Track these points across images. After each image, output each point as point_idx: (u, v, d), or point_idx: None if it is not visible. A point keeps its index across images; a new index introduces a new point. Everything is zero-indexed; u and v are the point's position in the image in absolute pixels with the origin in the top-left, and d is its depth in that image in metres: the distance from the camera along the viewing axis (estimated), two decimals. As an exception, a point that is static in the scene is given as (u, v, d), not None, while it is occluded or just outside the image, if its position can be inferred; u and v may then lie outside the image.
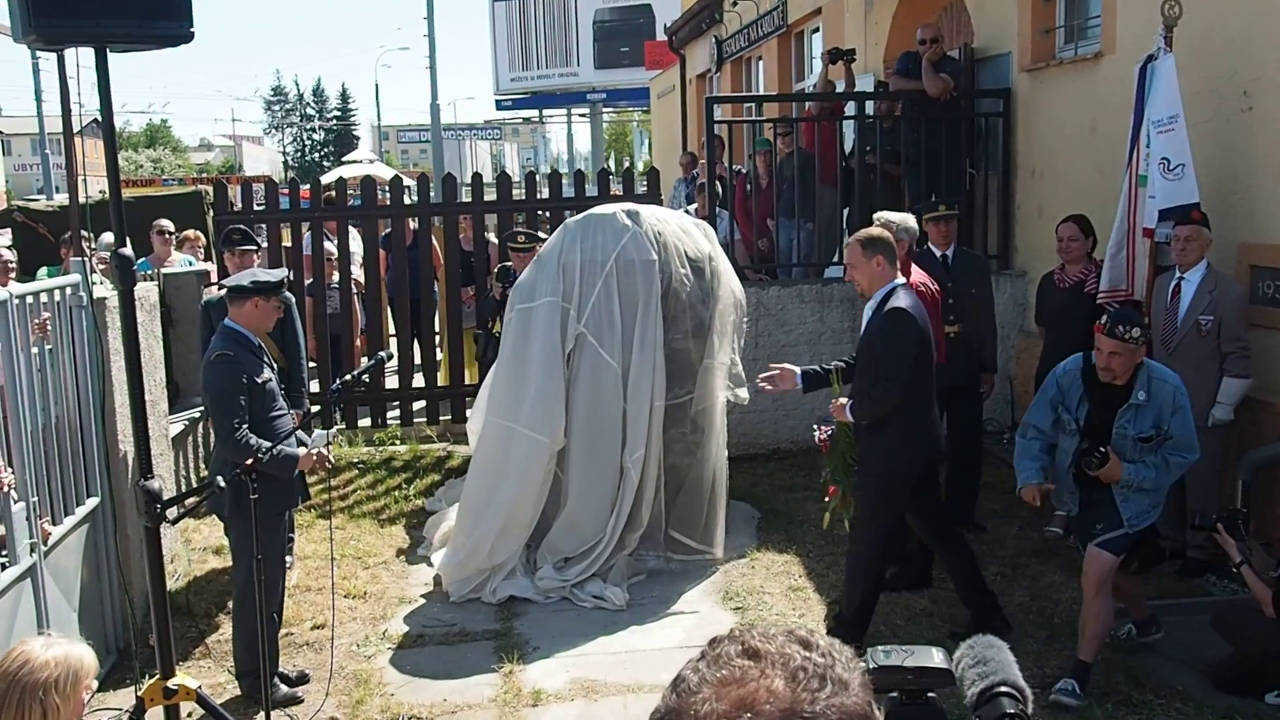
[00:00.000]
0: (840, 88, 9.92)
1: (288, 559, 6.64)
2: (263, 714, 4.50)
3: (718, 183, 9.83)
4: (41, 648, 2.90)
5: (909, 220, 6.19)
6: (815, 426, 5.53)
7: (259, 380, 4.94)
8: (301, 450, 4.98)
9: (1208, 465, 5.92)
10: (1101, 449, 4.65)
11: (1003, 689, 1.54)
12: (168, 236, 9.41)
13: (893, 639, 5.31)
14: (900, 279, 5.32)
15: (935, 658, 1.50)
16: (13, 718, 2.80)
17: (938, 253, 6.87)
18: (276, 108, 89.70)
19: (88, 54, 3.87)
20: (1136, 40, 6.76)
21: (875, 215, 6.28)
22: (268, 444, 4.74)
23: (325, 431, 5.22)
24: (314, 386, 8.53)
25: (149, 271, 8.64)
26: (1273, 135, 5.94)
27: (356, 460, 8.66)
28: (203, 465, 8.51)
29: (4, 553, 4.60)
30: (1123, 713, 4.68)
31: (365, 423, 9.35)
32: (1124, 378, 4.67)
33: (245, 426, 4.83)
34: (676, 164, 14.17)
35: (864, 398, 5.25)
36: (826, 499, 5.70)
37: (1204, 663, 5.06)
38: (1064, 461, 4.95)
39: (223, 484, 4.35)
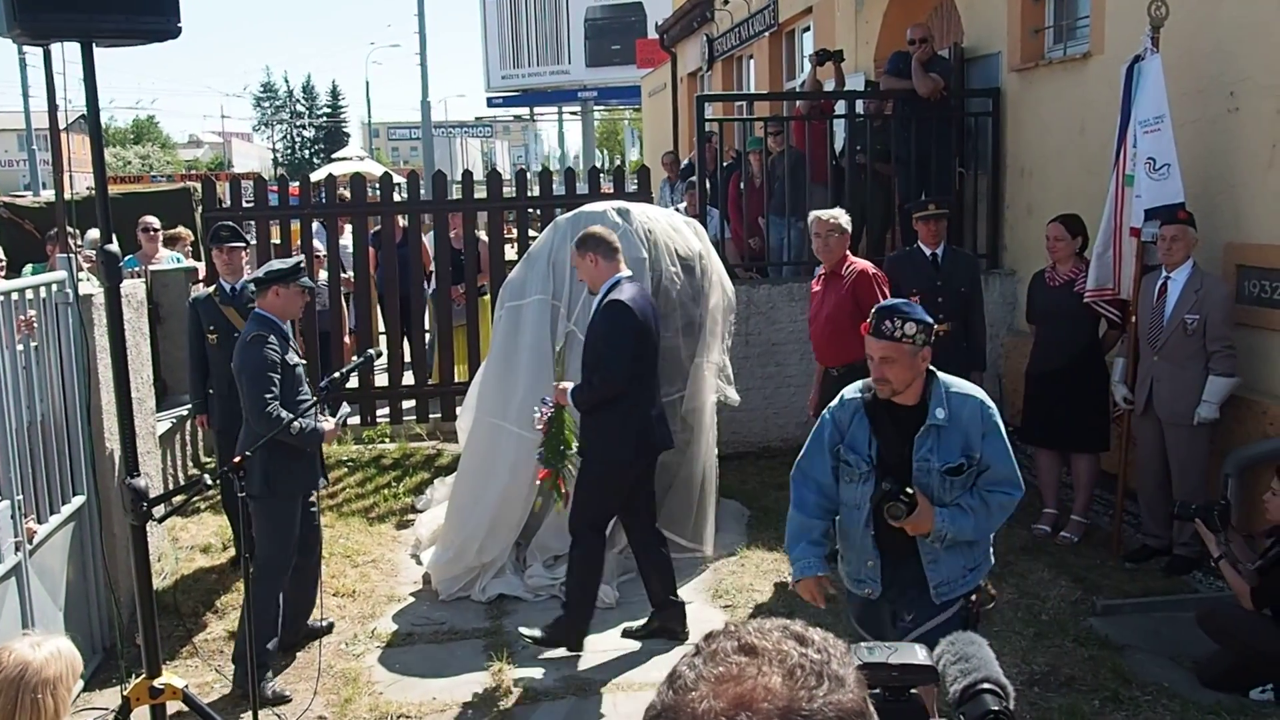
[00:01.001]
0: (830, 87, 9.93)
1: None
2: (250, 713, 4.49)
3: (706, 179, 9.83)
4: (31, 648, 2.89)
5: (845, 216, 6.48)
6: (536, 408, 5.63)
7: (289, 363, 5.23)
8: (326, 425, 5.30)
9: (1195, 464, 5.96)
10: (907, 490, 3.55)
11: (985, 685, 1.54)
12: (153, 234, 9.37)
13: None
14: (625, 272, 5.38)
15: (919, 655, 1.50)
16: (29, 717, 2.80)
17: (927, 251, 6.88)
18: (266, 104, 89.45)
19: (74, 49, 3.85)
20: (1125, 41, 6.77)
21: (811, 213, 6.47)
22: (299, 421, 5.04)
23: (345, 408, 5.76)
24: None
25: (136, 269, 8.61)
26: (1258, 136, 5.96)
27: (345, 458, 8.65)
28: (190, 463, 8.50)
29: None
30: (1109, 709, 4.70)
31: (354, 421, 9.32)
32: (907, 390, 3.61)
33: (277, 403, 5.08)
34: (661, 163, 14.14)
35: (585, 385, 5.36)
36: (539, 481, 5.83)
37: (1190, 660, 5.08)
38: (855, 520, 3.75)
39: (209, 481, 4.34)
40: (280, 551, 5.26)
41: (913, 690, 1.48)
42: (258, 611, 5.14)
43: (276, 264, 5.41)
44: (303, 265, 5.44)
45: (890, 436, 3.67)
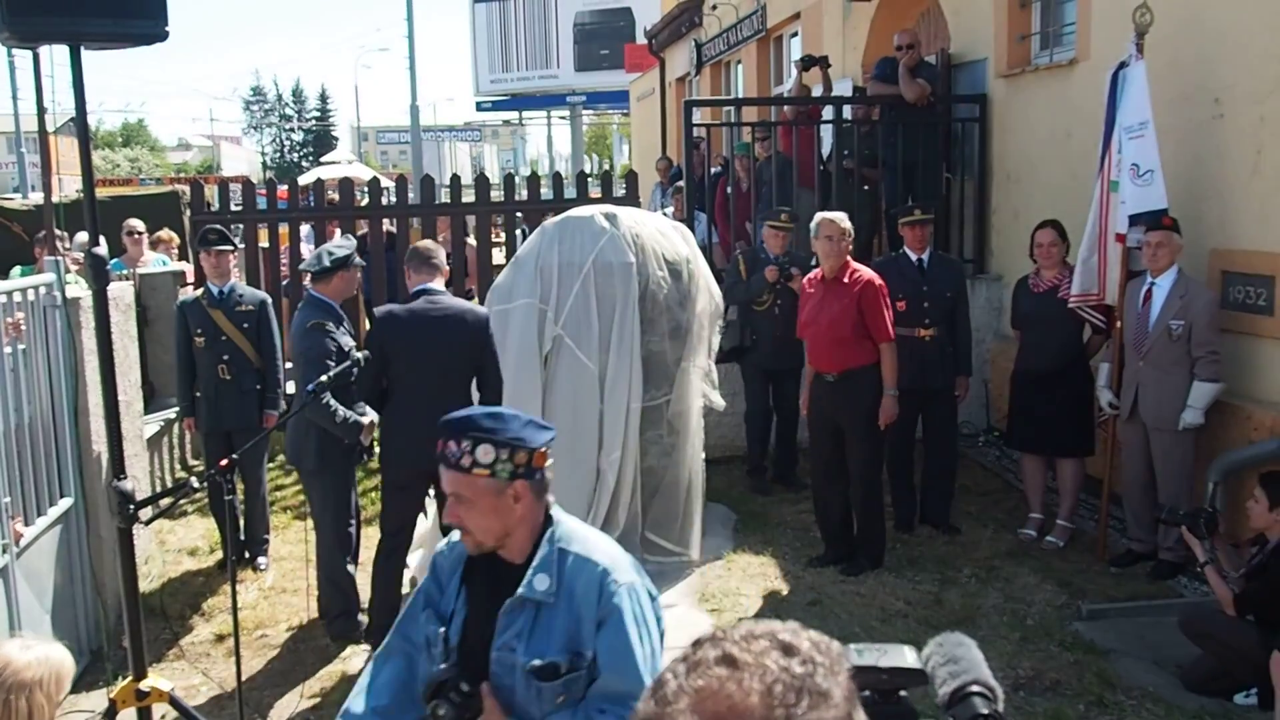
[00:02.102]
0: (818, 92, 9.97)
1: (261, 560, 6.64)
2: (237, 713, 4.48)
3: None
4: (20, 649, 2.88)
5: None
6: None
7: (344, 349, 5.45)
8: (366, 420, 5.41)
9: (1180, 469, 5.99)
10: (463, 685, 2.38)
11: (975, 688, 1.54)
12: (137, 237, 9.35)
13: (867, 640, 5.32)
14: (431, 285, 5.42)
15: (908, 657, 1.51)
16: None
17: (913, 256, 6.91)
18: (255, 108, 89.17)
19: (63, 52, 3.84)
20: (1111, 47, 6.82)
21: (819, 215, 6.39)
22: (343, 411, 5.25)
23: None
24: (290, 387, 8.50)
25: (123, 272, 8.60)
26: (1244, 142, 6.01)
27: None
28: (177, 466, 8.48)
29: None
30: (1095, 713, 4.72)
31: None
32: (507, 542, 2.44)
33: (328, 392, 5.24)
34: (654, 168, 14.18)
35: None
36: None
37: (1175, 664, 5.10)
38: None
39: (196, 484, 4.33)
40: (342, 524, 5.56)
41: (902, 693, 1.48)
42: (333, 584, 5.60)
43: (337, 249, 5.60)
44: (354, 250, 5.69)
45: (482, 604, 2.49)
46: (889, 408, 6.15)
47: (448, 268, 5.63)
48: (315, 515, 5.64)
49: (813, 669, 1.06)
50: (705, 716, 1.02)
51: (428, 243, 5.68)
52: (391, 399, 5.39)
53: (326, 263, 5.48)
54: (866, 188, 9.26)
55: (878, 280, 6.21)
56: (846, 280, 6.18)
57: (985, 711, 1.53)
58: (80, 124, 3.94)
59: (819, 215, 6.39)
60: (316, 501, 5.59)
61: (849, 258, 6.29)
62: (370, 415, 5.53)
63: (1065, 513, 6.71)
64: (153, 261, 9.24)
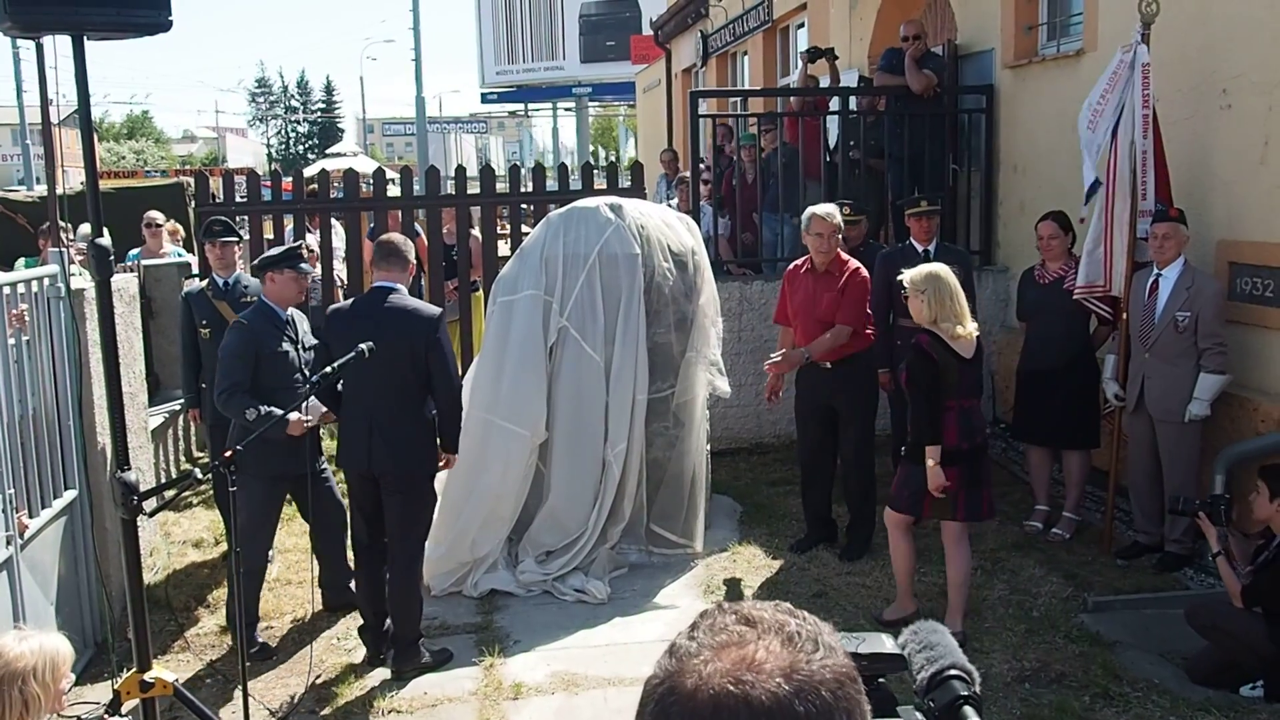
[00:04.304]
0: (825, 83, 9.94)
1: (269, 553, 6.64)
2: (240, 707, 4.48)
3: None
4: (15, 641, 2.89)
5: (839, 214, 6.45)
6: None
7: (279, 349, 5.43)
8: (294, 415, 5.18)
9: (1186, 461, 5.97)
10: None
11: (952, 672, 1.56)
12: (155, 229, 9.37)
13: (873, 629, 5.32)
14: (386, 282, 5.20)
15: (886, 644, 1.53)
16: None
17: (920, 248, 6.89)
18: (261, 100, 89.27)
19: (66, 43, 3.84)
20: (1118, 37, 6.77)
21: (809, 210, 6.39)
22: (256, 407, 5.15)
23: (312, 401, 5.33)
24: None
25: (128, 263, 8.61)
26: (1251, 133, 5.97)
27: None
28: (183, 458, 8.49)
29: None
30: (1099, 705, 4.71)
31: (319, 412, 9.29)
32: None
33: (235, 390, 5.24)
34: (658, 160, 14.15)
35: None
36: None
37: (1181, 656, 5.09)
38: None
39: (200, 476, 4.33)
40: (246, 523, 5.18)
41: (880, 680, 1.50)
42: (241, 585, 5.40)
43: (272, 250, 5.62)
44: (296, 251, 5.60)
45: None
46: (783, 365, 6.35)
47: (414, 263, 5.39)
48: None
49: (819, 629, 1.14)
50: (731, 661, 1.07)
51: (393, 236, 5.46)
52: (343, 398, 5.27)
53: (256, 262, 5.52)
54: (873, 179, 9.22)
55: (865, 273, 6.36)
56: (837, 272, 6.30)
57: (964, 693, 1.55)
58: (83, 114, 3.93)
59: (809, 211, 6.41)
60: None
61: (840, 251, 6.38)
62: (313, 408, 5.34)
63: (1071, 505, 6.70)
64: (171, 253, 9.27)
